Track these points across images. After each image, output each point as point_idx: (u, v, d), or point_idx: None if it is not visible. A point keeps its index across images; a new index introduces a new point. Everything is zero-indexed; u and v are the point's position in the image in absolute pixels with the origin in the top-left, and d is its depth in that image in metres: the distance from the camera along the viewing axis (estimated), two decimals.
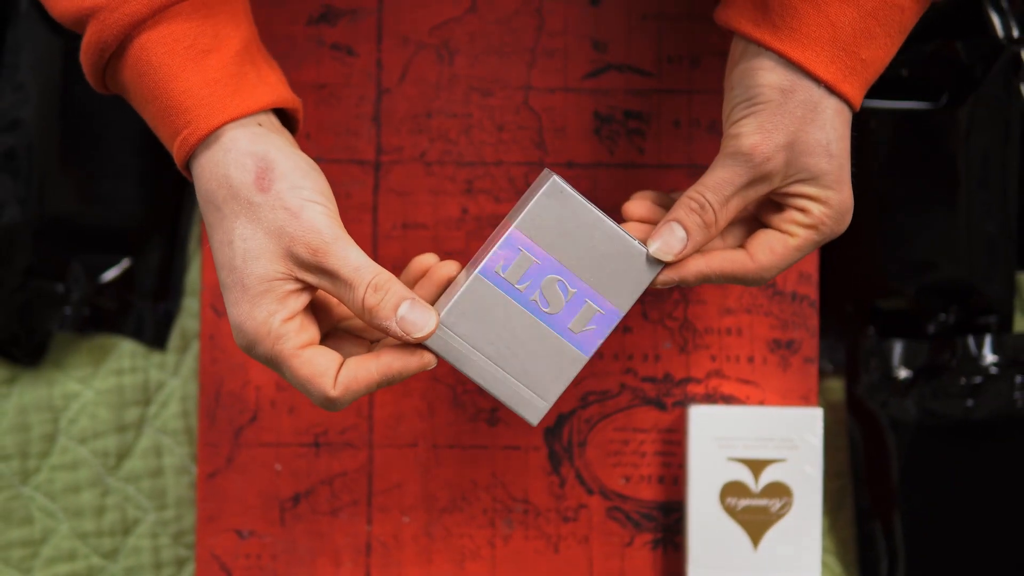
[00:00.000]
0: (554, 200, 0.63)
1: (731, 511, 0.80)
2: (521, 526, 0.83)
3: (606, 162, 0.83)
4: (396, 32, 0.82)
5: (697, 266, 0.64)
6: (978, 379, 0.86)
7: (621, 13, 0.83)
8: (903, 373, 0.86)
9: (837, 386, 0.89)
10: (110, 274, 0.88)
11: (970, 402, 0.85)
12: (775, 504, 0.80)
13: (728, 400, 0.83)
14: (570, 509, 0.83)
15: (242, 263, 0.60)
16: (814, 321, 0.82)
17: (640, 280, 0.64)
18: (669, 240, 0.63)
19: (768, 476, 0.80)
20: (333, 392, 0.60)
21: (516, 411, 0.64)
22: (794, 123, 0.62)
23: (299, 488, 0.82)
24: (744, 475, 0.80)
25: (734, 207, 0.63)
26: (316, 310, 0.64)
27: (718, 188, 0.63)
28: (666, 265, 0.64)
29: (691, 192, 0.64)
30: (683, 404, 0.83)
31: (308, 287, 0.61)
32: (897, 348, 0.86)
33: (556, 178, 0.63)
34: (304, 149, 0.81)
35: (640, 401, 0.83)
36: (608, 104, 0.83)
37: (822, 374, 0.88)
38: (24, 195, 0.85)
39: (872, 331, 0.87)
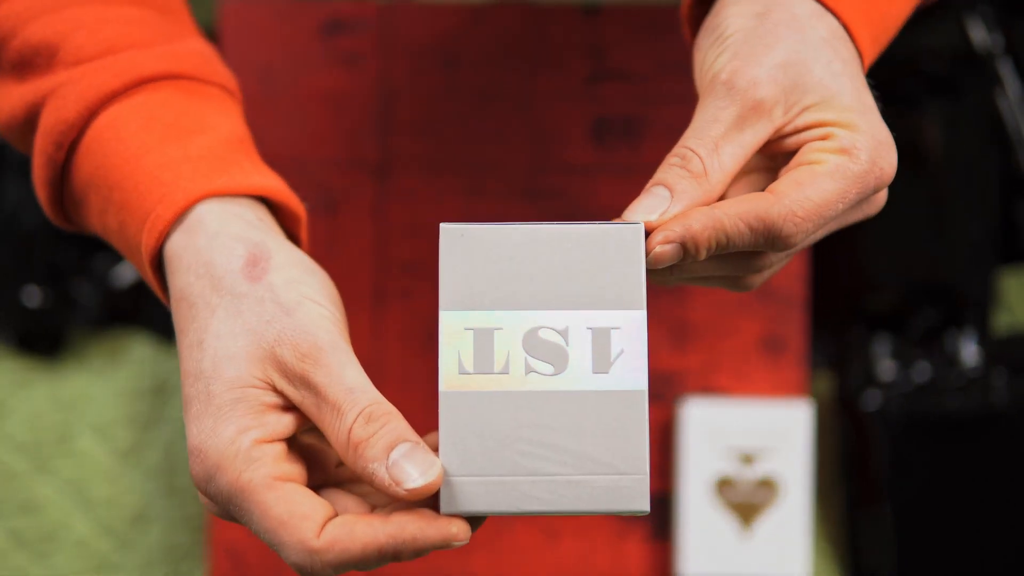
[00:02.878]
0: (460, 250, 0.47)
1: (723, 502, 0.80)
2: (522, 519, 0.83)
3: (604, 166, 0.83)
4: (402, 41, 0.83)
5: (704, 216, 0.45)
6: (961, 376, 0.86)
7: (619, 22, 0.83)
8: (889, 370, 0.86)
9: (827, 381, 0.89)
10: (125, 272, 0.88)
11: (953, 398, 0.86)
12: (766, 495, 0.80)
13: (721, 395, 0.83)
14: None
15: (211, 366, 0.44)
16: (804, 319, 0.83)
17: (631, 260, 0.46)
18: (647, 202, 0.46)
19: (759, 468, 0.80)
20: (316, 542, 0.42)
21: (618, 511, 0.45)
22: (777, 40, 0.46)
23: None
24: (736, 467, 0.80)
25: (730, 156, 0.46)
26: (307, 459, 0.47)
27: (701, 132, 0.46)
28: (649, 237, 0.46)
29: (673, 150, 0.48)
30: (677, 399, 0.83)
31: (291, 407, 0.45)
32: (883, 345, 0.87)
33: (444, 225, 0.47)
34: (311, 155, 0.82)
35: None
36: (607, 110, 0.83)
37: (812, 370, 0.88)
38: None
39: (859, 329, 0.88)
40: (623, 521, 0.83)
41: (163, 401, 0.88)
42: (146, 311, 0.88)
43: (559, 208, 0.80)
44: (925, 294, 0.87)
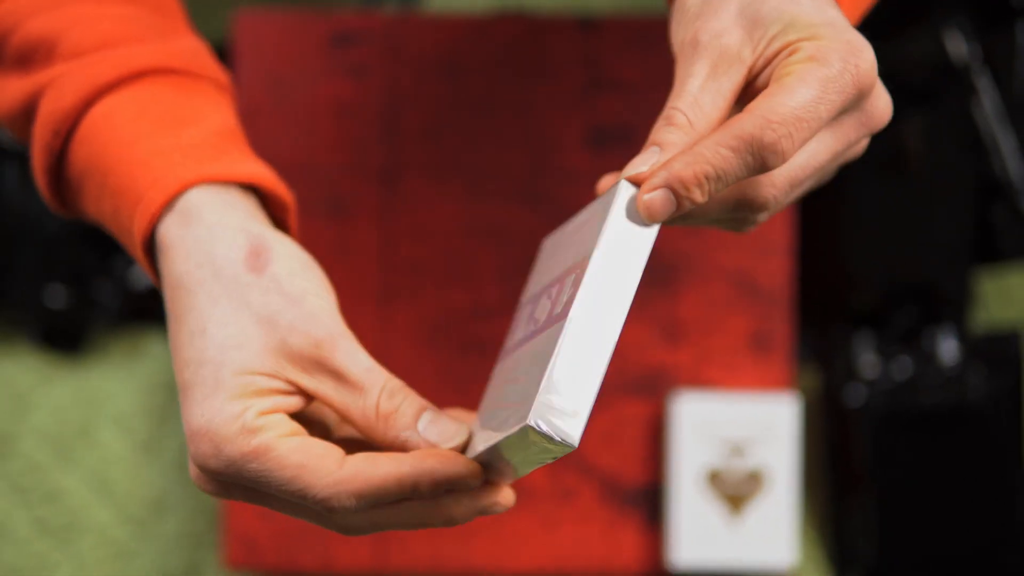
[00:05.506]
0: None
1: (713, 492, 0.81)
2: (521, 508, 0.83)
3: (600, 172, 0.83)
4: (407, 53, 0.83)
5: (685, 155, 0.43)
6: (939, 373, 0.87)
7: (614, 34, 0.83)
8: (871, 365, 0.87)
9: (813, 376, 0.89)
10: (144, 273, 0.88)
11: (932, 394, 0.86)
12: (754, 486, 0.81)
13: (711, 389, 0.83)
14: (565, 492, 0.83)
15: (218, 353, 0.44)
16: (790, 316, 0.83)
17: (607, 210, 0.44)
18: (640, 158, 0.44)
19: (748, 460, 0.80)
20: (339, 472, 0.42)
21: (546, 431, 0.40)
22: None
23: None
24: (726, 459, 0.80)
25: (711, 104, 0.44)
26: (308, 426, 0.47)
27: (680, 91, 0.45)
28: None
29: (660, 115, 0.46)
30: (669, 392, 0.83)
31: (300, 392, 0.45)
32: (865, 342, 0.87)
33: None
34: (320, 161, 0.82)
35: (629, 389, 0.83)
36: (602, 118, 0.83)
37: (798, 365, 0.89)
38: None
39: (843, 326, 0.88)
40: (617, 511, 0.84)
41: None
42: (163, 310, 0.89)
43: (557, 212, 0.81)
44: (906, 293, 0.88)
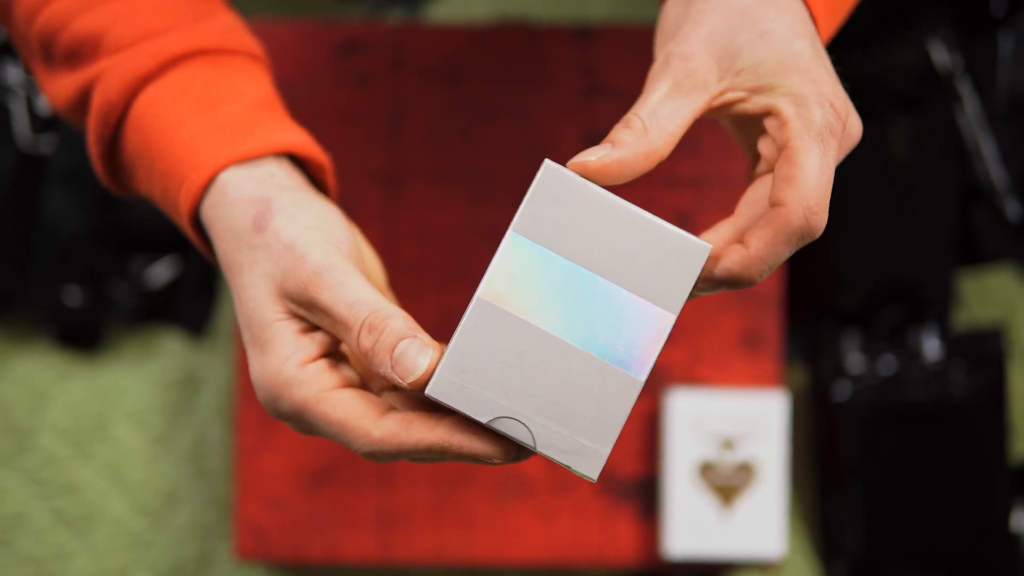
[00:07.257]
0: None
1: (706, 484, 0.81)
2: (520, 499, 0.83)
3: None
4: (410, 61, 0.83)
5: (736, 253, 0.46)
6: (923, 369, 0.87)
7: (610, 43, 0.83)
8: (857, 363, 0.87)
9: (801, 373, 0.90)
10: (159, 269, 0.89)
11: (916, 389, 0.87)
12: (745, 478, 0.81)
13: (703, 386, 0.83)
14: (564, 484, 0.84)
15: (249, 316, 0.47)
16: (780, 316, 0.83)
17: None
18: (590, 149, 0.46)
19: (739, 453, 0.80)
20: (377, 432, 0.44)
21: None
22: (704, 16, 0.46)
23: (326, 464, 0.82)
24: (717, 452, 0.81)
25: (668, 117, 0.46)
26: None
27: (642, 101, 0.47)
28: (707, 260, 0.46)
29: None
30: (663, 390, 0.83)
31: (320, 328, 0.47)
32: (852, 340, 0.88)
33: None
34: None
35: None
36: (598, 124, 0.83)
37: (787, 362, 0.89)
38: (87, 206, 0.86)
39: (830, 325, 0.89)
40: (614, 503, 0.84)
41: (193, 391, 0.89)
42: (177, 309, 0.89)
43: None
44: (891, 293, 0.88)
